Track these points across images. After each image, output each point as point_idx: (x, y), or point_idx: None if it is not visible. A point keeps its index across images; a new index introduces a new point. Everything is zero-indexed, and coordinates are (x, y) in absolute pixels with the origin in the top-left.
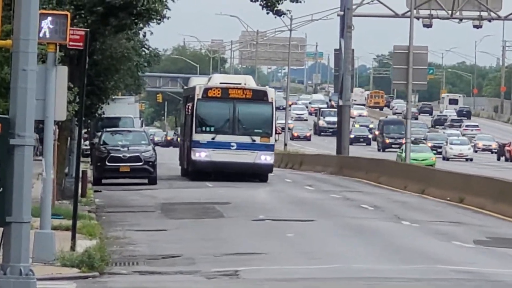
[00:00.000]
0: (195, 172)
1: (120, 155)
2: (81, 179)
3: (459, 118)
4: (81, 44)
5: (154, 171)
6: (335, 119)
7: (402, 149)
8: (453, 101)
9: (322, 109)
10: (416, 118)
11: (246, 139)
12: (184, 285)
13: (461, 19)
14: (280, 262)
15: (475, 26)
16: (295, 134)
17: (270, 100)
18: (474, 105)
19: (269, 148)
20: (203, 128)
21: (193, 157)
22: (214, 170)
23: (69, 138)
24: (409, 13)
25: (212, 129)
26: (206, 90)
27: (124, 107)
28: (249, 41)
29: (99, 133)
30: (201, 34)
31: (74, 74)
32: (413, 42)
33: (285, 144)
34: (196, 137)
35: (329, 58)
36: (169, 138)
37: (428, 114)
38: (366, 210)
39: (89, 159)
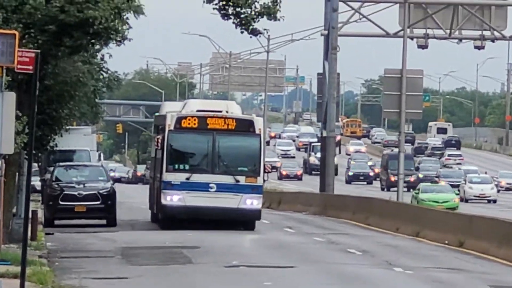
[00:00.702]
0: (166, 219)
1: (75, 193)
2: (31, 220)
3: (440, 146)
4: (30, 67)
5: (113, 210)
6: None
7: (419, 189)
8: (442, 130)
9: (313, 144)
10: (396, 147)
11: (228, 179)
12: None
13: (460, 39)
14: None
15: (476, 47)
16: (284, 173)
17: (257, 131)
18: (476, 136)
19: (257, 190)
20: (176, 166)
21: (163, 201)
22: (189, 217)
23: (17, 173)
24: (402, 32)
25: (187, 167)
26: (179, 119)
27: (80, 139)
28: (221, 64)
29: (51, 168)
30: (166, 57)
31: (23, 101)
32: (406, 65)
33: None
34: (167, 176)
35: (311, 83)
36: (139, 173)
37: (410, 144)
38: (353, 255)
39: (39, 198)
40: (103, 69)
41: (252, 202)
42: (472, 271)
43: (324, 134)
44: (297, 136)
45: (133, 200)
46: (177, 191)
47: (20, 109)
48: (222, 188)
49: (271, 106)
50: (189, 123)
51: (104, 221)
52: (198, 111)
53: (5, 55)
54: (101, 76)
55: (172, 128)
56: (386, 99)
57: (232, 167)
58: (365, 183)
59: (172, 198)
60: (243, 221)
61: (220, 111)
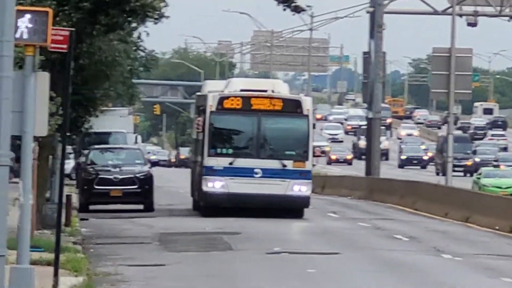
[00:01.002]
0: (207, 207)
1: (111, 177)
2: (65, 205)
3: (483, 126)
4: (64, 46)
5: (150, 195)
6: (380, 138)
7: (481, 174)
8: (488, 111)
9: (362, 127)
10: (439, 128)
11: (274, 164)
12: None
13: (511, 17)
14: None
15: None
16: (333, 157)
17: (306, 112)
18: None
19: (305, 175)
20: (218, 150)
21: (204, 188)
22: (232, 204)
23: (51, 157)
24: (451, 9)
25: (230, 151)
26: (221, 99)
27: (116, 121)
28: (262, 43)
29: (86, 151)
30: (206, 35)
31: (57, 82)
32: (455, 43)
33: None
34: (209, 161)
35: (357, 63)
36: (182, 156)
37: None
38: (400, 241)
39: (74, 182)
40: (140, 48)
41: (301, 188)
42: None
43: (370, 115)
44: (345, 119)
45: (172, 184)
46: (219, 177)
47: (54, 90)
48: (268, 173)
49: (314, 86)
50: (232, 104)
51: (141, 206)
52: (242, 90)
53: (38, 34)
54: (137, 55)
55: (214, 109)
56: (434, 79)
57: (278, 151)
58: (419, 167)
59: (214, 185)
60: (290, 208)
61: (266, 91)
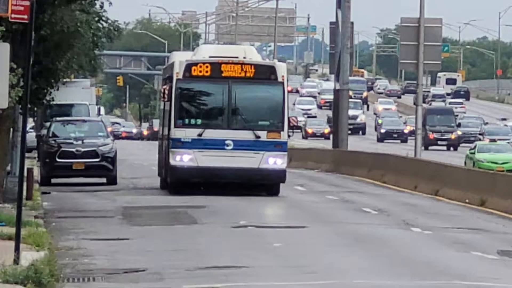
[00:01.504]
0: (175, 183)
1: (73, 150)
2: (26, 178)
3: (441, 94)
4: (25, 16)
5: (113, 168)
6: (356, 112)
7: (475, 148)
8: (451, 81)
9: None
10: (399, 97)
11: (247, 135)
12: None
13: None
14: (266, 278)
15: None
16: (310, 131)
17: (280, 79)
18: (498, 89)
19: (280, 147)
20: (186, 121)
21: (172, 162)
22: (202, 179)
23: (11, 129)
24: None
25: (199, 121)
26: (189, 66)
27: (78, 92)
28: (227, 13)
29: (48, 124)
30: (170, 5)
31: (18, 53)
32: (424, 13)
33: None
34: (176, 133)
35: (324, 33)
36: (156, 129)
37: (413, 94)
38: (368, 215)
39: (35, 155)
40: (103, 18)
41: (276, 161)
42: (494, 231)
43: (337, 86)
44: (319, 93)
45: (135, 157)
46: (187, 150)
47: (15, 61)
48: (240, 145)
49: (280, 57)
50: (200, 71)
51: (103, 180)
52: (211, 57)
53: None
54: (100, 26)
55: (180, 76)
56: (402, 50)
57: (251, 121)
58: (399, 141)
59: (182, 158)
60: (265, 184)
61: (236, 57)
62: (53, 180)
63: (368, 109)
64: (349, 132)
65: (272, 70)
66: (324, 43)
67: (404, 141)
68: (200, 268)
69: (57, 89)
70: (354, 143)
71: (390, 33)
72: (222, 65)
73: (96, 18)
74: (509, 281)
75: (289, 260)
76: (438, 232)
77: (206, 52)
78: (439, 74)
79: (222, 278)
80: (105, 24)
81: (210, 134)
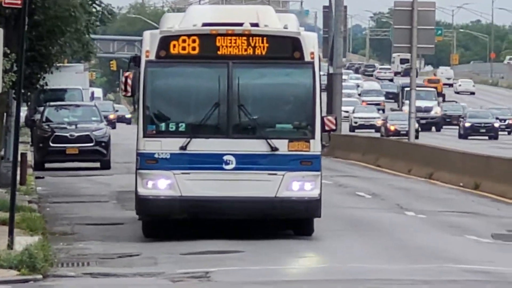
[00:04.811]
0: (148, 222)
1: (67, 134)
2: (20, 163)
3: (371, 64)
4: (19, 1)
5: (107, 153)
6: (430, 103)
7: None
8: (405, 61)
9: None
10: (391, 80)
11: (257, 147)
12: None
13: None
14: (260, 261)
15: None
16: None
17: (308, 57)
18: (492, 72)
19: (310, 163)
20: (161, 126)
21: (140, 191)
22: (188, 215)
23: (5, 114)
24: None
25: (182, 127)
26: (165, 41)
27: (71, 77)
28: None
29: (41, 108)
30: None
31: (11, 38)
32: None
33: None
34: (147, 145)
35: (317, 17)
36: None
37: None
38: (362, 199)
39: (29, 139)
40: (96, 2)
41: (304, 185)
42: (488, 215)
43: (331, 71)
44: (359, 94)
45: (130, 142)
46: (165, 172)
47: (8, 46)
48: (246, 162)
49: None
50: (183, 48)
51: (97, 164)
52: (204, 24)
53: None
54: (93, 10)
55: (152, 57)
56: (396, 34)
57: (264, 125)
58: (487, 137)
59: (156, 184)
60: (289, 218)
61: (241, 24)
62: (47, 165)
63: (444, 100)
64: (418, 128)
65: (295, 44)
66: (317, 27)
67: (494, 137)
68: (194, 252)
69: (51, 74)
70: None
71: (383, 17)
72: (218, 37)
73: (90, 2)
74: (503, 264)
75: (281, 244)
76: (432, 216)
77: (198, 16)
78: (394, 54)
79: (216, 262)
80: (98, 8)
81: (200, 146)
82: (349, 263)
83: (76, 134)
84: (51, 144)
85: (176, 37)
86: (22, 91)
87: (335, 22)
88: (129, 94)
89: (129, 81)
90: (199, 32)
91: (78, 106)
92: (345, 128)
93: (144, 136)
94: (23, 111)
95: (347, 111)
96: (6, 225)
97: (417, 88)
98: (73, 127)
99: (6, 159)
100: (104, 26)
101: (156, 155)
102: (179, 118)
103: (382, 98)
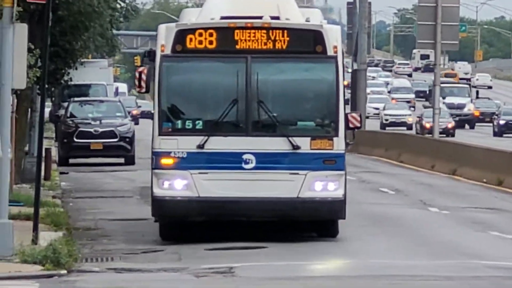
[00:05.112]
0: (165, 224)
1: (91, 130)
2: (45, 158)
3: (390, 60)
4: None
5: (131, 148)
6: (463, 100)
7: None
8: (425, 57)
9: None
10: (410, 75)
11: (278, 145)
12: (168, 285)
13: None
14: (283, 257)
15: None
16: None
17: (331, 51)
18: None
19: (333, 162)
20: (178, 124)
21: (156, 191)
22: (206, 217)
23: (29, 109)
24: None
25: (199, 124)
26: (181, 35)
27: (95, 72)
28: None
29: (66, 104)
30: None
31: (35, 33)
32: None
33: None
34: (162, 143)
35: (341, 14)
36: None
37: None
38: (386, 195)
39: (53, 135)
40: None
41: (327, 185)
42: (511, 211)
43: (355, 66)
44: (389, 91)
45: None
46: (181, 171)
47: (32, 42)
48: (266, 162)
49: None
50: (200, 42)
51: (121, 160)
52: (223, 18)
53: None
54: (117, 6)
55: (168, 51)
56: (420, 30)
57: (284, 122)
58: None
59: (172, 184)
60: (312, 220)
61: (260, 17)
62: (71, 160)
63: (478, 97)
64: (450, 125)
65: (317, 37)
66: (341, 23)
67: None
68: (218, 248)
69: (75, 69)
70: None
71: (408, 13)
72: (236, 31)
73: None
74: None
75: (307, 240)
76: (456, 212)
77: (216, 9)
78: (414, 50)
79: (240, 257)
80: (122, 4)
81: (218, 144)
82: (372, 259)
83: (101, 130)
84: (76, 140)
85: (193, 30)
86: (46, 86)
87: (359, 18)
88: (144, 90)
89: (143, 77)
90: (216, 26)
91: (102, 101)
92: (375, 126)
93: (159, 134)
94: (48, 107)
95: (377, 108)
96: (31, 221)
97: (450, 85)
98: (98, 122)
99: (30, 155)
100: (128, 22)
101: (172, 154)
102: (196, 115)
103: (412, 96)
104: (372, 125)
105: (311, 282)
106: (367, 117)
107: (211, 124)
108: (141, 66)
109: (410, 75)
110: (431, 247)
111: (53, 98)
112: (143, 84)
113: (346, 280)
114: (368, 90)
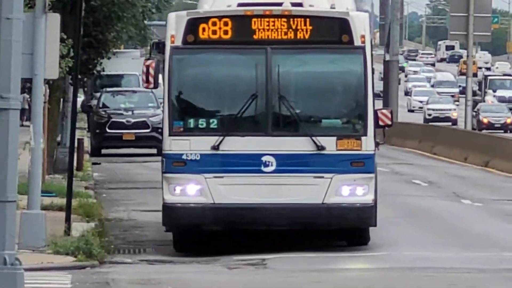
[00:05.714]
0: (177, 234)
1: (123, 120)
2: (77, 149)
3: (415, 49)
4: None
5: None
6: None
7: None
8: (450, 47)
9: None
10: (433, 65)
11: (300, 146)
12: (201, 276)
13: None
14: (317, 249)
15: None
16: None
17: (358, 41)
18: None
19: (362, 164)
20: (190, 123)
21: (167, 198)
22: (222, 226)
23: (62, 100)
24: None
25: (213, 123)
26: (193, 23)
27: (128, 63)
28: None
29: (98, 94)
30: None
31: (68, 23)
32: None
33: None
34: (173, 144)
35: (373, 5)
36: None
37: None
38: (418, 187)
39: (85, 125)
40: None
41: (355, 190)
42: None
43: (387, 57)
44: (432, 86)
45: None
46: (194, 175)
47: (65, 32)
48: (288, 164)
49: None
50: (214, 31)
51: (154, 150)
52: (240, 5)
53: None
54: None
55: (179, 42)
56: (452, 21)
57: (307, 120)
58: None
59: (185, 190)
60: (340, 228)
61: (280, 4)
62: (103, 151)
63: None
64: (508, 121)
65: (343, 25)
66: (374, 14)
67: None
68: (250, 240)
69: (108, 59)
70: None
71: (440, 4)
72: (253, 19)
73: None
74: None
75: (340, 232)
76: (489, 204)
77: None
78: (440, 42)
79: (272, 249)
80: None
81: (235, 145)
82: (406, 251)
83: (133, 120)
84: (108, 130)
85: (206, 19)
86: (79, 76)
87: (392, 9)
88: (152, 85)
89: (151, 71)
90: (231, 14)
91: (134, 92)
92: (420, 120)
93: (170, 135)
94: (80, 97)
95: (422, 101)
96: (63, 211)
97: (502, 77)
98: (130, 113)
99: (63, 145)
100: (160, 13)
101: (184, 157)
102: (210, 113)
103: (457, 90)
104: (416, 119)
105: (343, 274)
106: (412, 111)
107: (226, 123)
108: (149, 59)
109: (433, 65)
110: (463, 239)
111: (85, 88)
112: (151, 79)
113: (379, 272)
114: (410, 84)
